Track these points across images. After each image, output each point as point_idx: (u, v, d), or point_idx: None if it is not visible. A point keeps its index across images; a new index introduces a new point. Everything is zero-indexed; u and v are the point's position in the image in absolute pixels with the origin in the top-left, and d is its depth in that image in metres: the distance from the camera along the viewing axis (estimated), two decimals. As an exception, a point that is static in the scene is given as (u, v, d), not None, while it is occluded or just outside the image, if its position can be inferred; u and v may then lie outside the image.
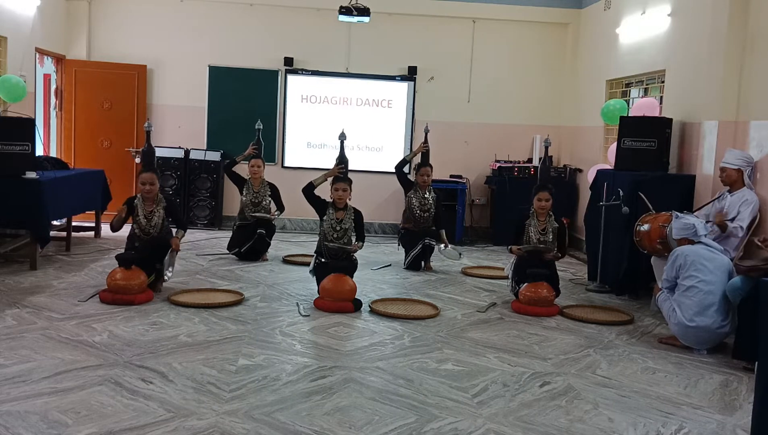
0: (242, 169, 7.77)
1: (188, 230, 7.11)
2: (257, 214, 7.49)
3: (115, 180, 8.93)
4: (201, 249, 7.94)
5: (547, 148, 6.54)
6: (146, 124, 6.25)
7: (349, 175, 6.34)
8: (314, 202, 6.01)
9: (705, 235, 5.01)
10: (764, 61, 5.71)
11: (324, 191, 6.11)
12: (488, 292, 6.53)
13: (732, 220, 5.49)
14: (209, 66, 9.61)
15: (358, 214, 6.04)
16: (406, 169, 7.71)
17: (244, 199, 7.62)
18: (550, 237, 6.12)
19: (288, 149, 9.84)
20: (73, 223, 7.77)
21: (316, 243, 6.32)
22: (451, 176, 9.67)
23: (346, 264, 5.84)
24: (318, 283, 5.82)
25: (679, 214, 5.24)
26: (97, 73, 9.34)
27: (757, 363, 3.35)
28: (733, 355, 4.63)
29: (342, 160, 6.15)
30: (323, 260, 5.91)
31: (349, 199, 6.08)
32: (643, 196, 6.03)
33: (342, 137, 6.26)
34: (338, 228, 5.94)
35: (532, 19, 9.85)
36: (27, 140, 6.38)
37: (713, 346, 4.86)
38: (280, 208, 7.72)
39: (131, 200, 5.94)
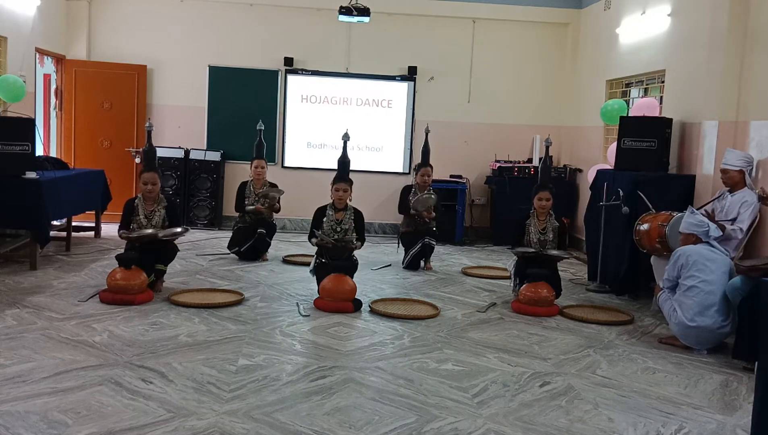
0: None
1: (188, 230, 7.08)
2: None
3: (115, 180, 8.94)
4: (201, 249, 7.94)
5: (547, 148, 6.54)
6: (147, 124, 6.23)
7: (349, 175, 6.33)
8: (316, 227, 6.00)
9: (714, 238, 5.00)
10: (764, 61, 5.70)
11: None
12: (488, 292, 6.53)
13: (732, 221, 5.49)
14: (209, 66, 9.61)
15: (358, 214, 6.03)
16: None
17: (246, 201, 7.60)
18: (551, 236, 6.13)
19: (288, 149, 9.83)
20: (73, 223, 7.77)
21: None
22: (451, 176, 9.66)
23: (346, 264, 5.84)
24: (318, 283, 5.82)
25: (695, 209, 5.24)
26: (97, 73, 9.34)
27: (757, 363, 3.35)
28: (733, 355, 4.62)
29: (344, 159, 6.14)
30: (323, 260, 5.90)
31: (350, 200, 6.08)
32: (642, 195, 6.04)
33: (345, 138, 6.25)
34: (338, 229, 5.93)
35: (532, 19, 9.84)
36: (27, 140, 6.38)
37: (713, 346, 4.86)
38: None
39: (131, 202, 5.93)
